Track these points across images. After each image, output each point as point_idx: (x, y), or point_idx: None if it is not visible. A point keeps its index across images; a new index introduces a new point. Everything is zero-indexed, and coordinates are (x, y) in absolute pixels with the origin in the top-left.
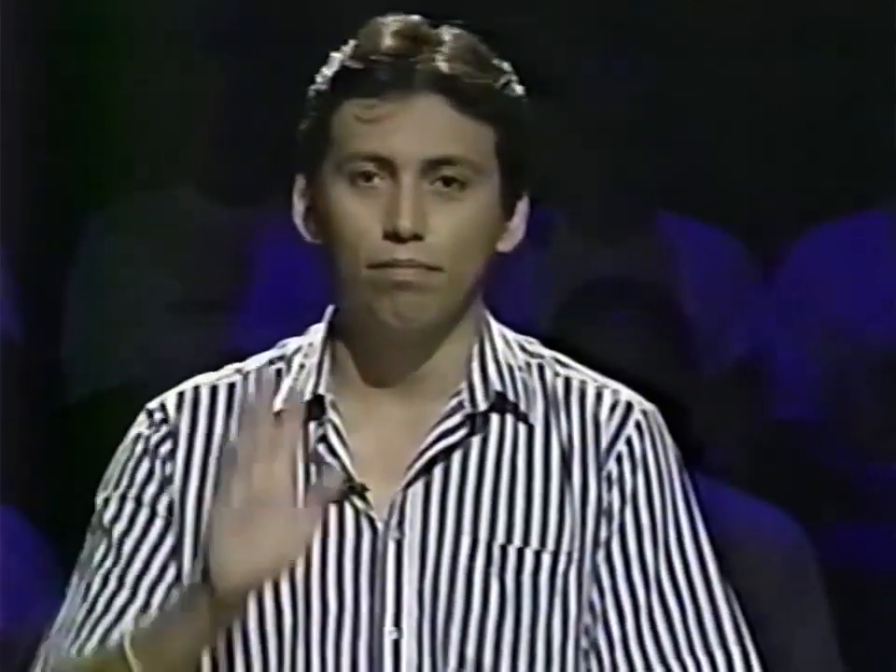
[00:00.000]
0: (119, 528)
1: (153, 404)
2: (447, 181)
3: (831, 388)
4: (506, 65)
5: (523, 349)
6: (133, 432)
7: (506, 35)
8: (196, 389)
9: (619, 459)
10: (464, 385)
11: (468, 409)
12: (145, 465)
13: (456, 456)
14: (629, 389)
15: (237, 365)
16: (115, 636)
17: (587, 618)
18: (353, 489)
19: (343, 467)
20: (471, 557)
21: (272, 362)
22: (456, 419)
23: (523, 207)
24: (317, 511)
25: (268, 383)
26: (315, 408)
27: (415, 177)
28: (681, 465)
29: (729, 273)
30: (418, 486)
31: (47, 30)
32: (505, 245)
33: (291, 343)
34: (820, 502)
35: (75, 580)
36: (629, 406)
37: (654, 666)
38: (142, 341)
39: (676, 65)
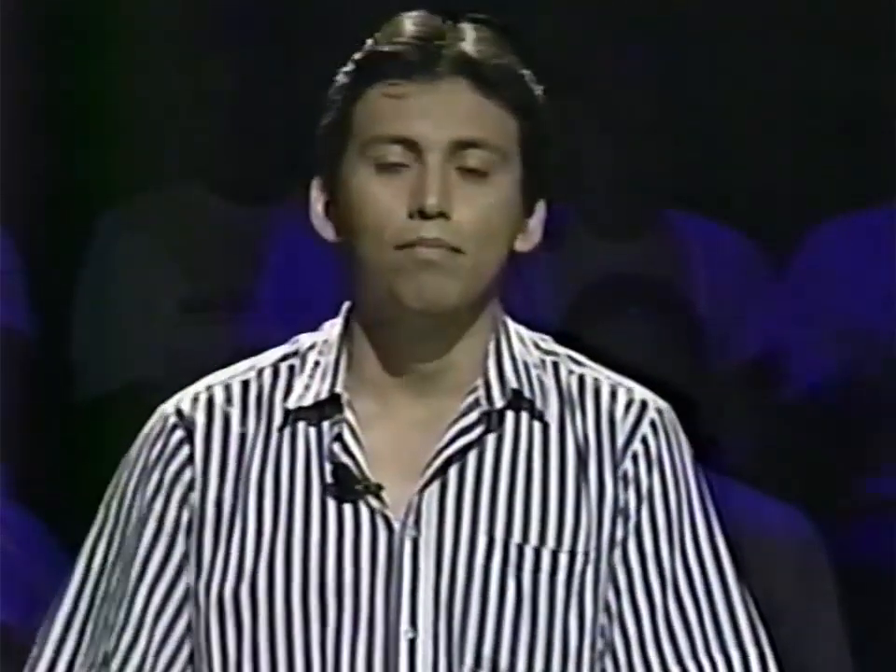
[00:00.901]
0: (137, 550)
1: (168, 408)
2: (471, 169)
3: (844, 385)
4: (524, 65)
5: (537, 347)
6: (149, 436)
7: (521, 34)
8: (209, 389)
9: (634, 458)
10: (480, 382)
11: (484, 406)
12: (156, 477)
13: (472, 455)
14: (642, 387)
15: (250, 361)
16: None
17: (603, 618)
18: (368, 489)
19: (359, 466)
20: (488, 556)
21: (285, 358)
22: (473, 416)
23: (541, 210)
24: None
25: (283, 379)
26: (330, 406)
27: (441, 159)
28: (695, 463)
29: (741, 270)
30: (434, 485)
31: (60, 27)
32: (523, 245)
33: (305, 339)
34: (834, 500)
35: (78, 577)
36: (644, 404)
37: (671, 667)
38: (153, 339)
39: (689, 65)
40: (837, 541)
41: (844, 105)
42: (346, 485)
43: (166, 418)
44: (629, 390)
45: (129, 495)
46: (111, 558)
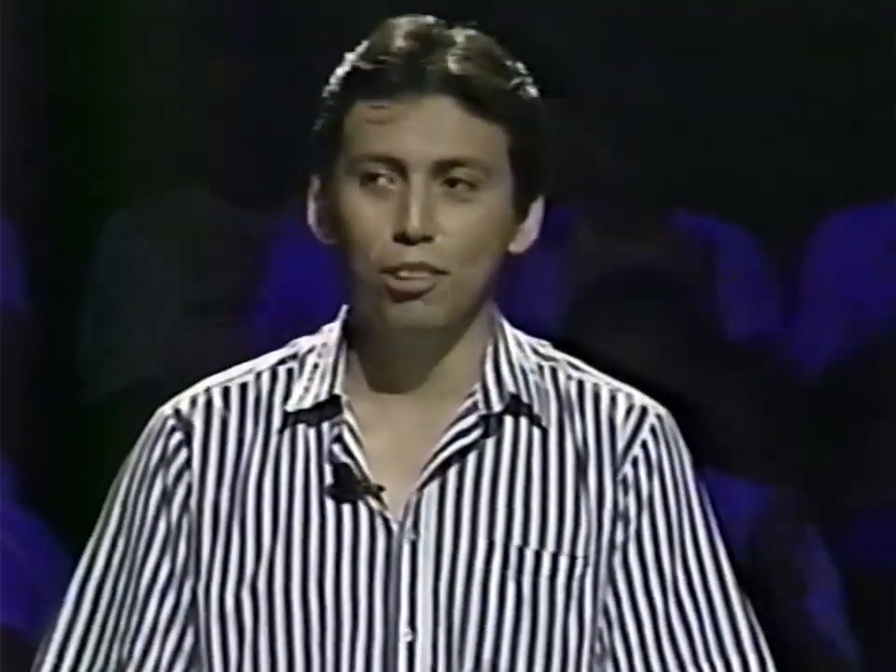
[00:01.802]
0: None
1: (167, 410)
2: (457, 183)
3: (848, 383)
4: (520, 66)
5: (535, 352)
6: (149, 439)
7: (521, 36)
8: (208, 391)
9: (634, 463)
10: (478, 387)
11: (482, 410)
12: (160, 482)
13: (471, 458)
14: (641, 393)
15: (248, 364)
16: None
17: (601, 622)
18: (368, 490)
19: (359, 466)
20: (487, 559)
21: (283, 361)
22: (471, 420)
23: (537, 209)
24: None
25: (281, 383)
26: (330, 408)
27: (425, 179)
28: (694, 469)
29: (746, 269)
30: (433, 487)
31: (67, 29)
32: (517, 247)
33: (303, 343)
34: (841, 497)
35: (78, 580)
36: (644, 410)
37: (672, 671)
38: (157, 342)
39: (692, 64)
40: (837, 541)
41: (848, 101)
42: (347, 486)
43: (165, 420)
44: (629, 396)
45: (130, 499)
46: (114, 563)
